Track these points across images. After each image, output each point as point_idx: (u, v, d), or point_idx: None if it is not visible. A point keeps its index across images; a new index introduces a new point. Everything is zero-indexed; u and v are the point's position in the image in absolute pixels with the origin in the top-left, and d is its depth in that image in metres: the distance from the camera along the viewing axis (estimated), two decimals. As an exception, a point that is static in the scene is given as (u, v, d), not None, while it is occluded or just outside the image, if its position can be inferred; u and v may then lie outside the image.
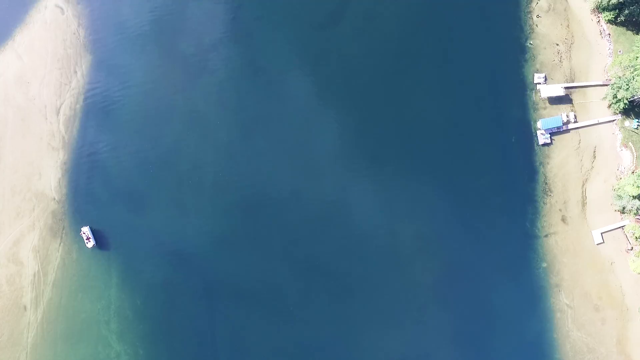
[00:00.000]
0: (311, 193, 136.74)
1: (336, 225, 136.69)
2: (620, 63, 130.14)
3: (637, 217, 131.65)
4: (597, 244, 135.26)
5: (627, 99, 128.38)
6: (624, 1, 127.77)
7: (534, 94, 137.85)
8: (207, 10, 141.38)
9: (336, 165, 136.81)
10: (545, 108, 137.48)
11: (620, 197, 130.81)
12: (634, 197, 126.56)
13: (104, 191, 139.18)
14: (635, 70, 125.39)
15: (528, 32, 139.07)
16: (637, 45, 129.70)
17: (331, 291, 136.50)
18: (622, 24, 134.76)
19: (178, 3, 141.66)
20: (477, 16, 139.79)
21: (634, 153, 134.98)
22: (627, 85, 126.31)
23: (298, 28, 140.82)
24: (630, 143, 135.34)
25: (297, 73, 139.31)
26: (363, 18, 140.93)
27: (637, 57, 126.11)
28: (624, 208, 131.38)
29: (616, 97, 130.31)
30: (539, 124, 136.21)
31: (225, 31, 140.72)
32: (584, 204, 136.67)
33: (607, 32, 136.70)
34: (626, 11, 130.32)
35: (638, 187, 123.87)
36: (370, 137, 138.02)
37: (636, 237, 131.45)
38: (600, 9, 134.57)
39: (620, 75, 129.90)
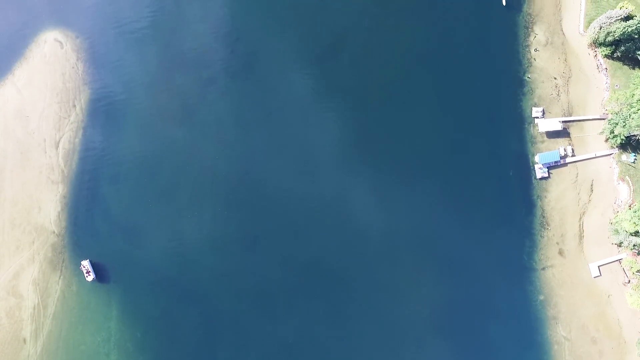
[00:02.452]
0: (312, 228, 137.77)
1: (344, 253, 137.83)
2: (617, 99, 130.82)
3: (634, 251, 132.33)
4: (594, 277, 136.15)
5: (624, 135, 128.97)
6: (620, 39, 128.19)
7: (532, 127, 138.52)
8: (205, 44, 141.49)
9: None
10: (543, 142, 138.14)
11: (617, 231, 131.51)
12: (631, 234, 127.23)
13: (104, 224, 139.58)
14: (631, 107, 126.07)
15: (526, 65, 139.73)
16: (634, 82, 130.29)
17: (331, 310, 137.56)
18: (618, 59, 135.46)
19: (176, 37, 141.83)
20: (476, 50, 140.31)
21: (631, 187, 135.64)
22: (623, 122, 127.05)
23: (296, 61, 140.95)
24: (627, 177, 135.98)
25: (296, 106, 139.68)
26: (361, 51, 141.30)
27: (633, 94, 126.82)
28: (621, 243, 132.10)
29: (613, 132, 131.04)
30: (536, 158, 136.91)
31: (223, 65, 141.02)
32: (581, 237, 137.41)
33: (604, 67, 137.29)
34: (622, 48, 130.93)
35: (635, 224, 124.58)
36: (367, 174, 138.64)
37: (633, 271, 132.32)
38: (597, 44, 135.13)
39: (617, 111, 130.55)
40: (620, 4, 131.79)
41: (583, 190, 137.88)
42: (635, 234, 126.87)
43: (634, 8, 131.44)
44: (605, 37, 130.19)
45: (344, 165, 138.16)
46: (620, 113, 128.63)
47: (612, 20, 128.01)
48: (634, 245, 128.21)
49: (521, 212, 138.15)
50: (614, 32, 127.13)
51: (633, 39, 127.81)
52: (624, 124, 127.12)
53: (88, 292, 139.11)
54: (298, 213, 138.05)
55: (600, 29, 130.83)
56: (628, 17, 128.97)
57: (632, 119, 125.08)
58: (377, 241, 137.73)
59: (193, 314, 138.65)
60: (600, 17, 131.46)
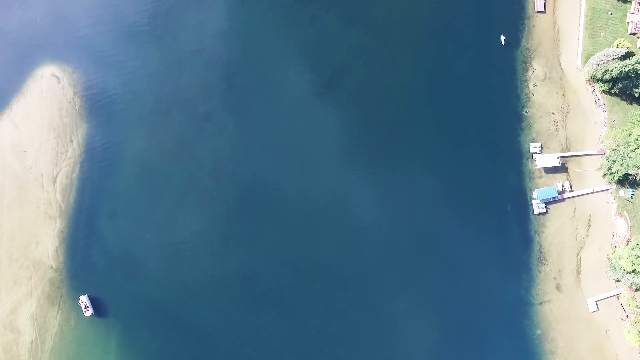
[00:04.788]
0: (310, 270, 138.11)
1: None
2: (615, 136, 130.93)
3: (632, 287, 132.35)
4: (592, 312, 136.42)
5: (621, 172, 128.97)
6: (617, 77, 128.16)
7: (529, 162, 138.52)
8: (201, 78, 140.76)
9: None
10: (540, 177, 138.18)
11: (615, 268, 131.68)
12: (628, 272, 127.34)
13: (102, 259, 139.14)
14: (629, 146, 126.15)
15: (524, 100, 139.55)
16: (631, 120, 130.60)
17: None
18: (616, 94, 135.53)
19: (173, 71, 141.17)
20: (474, 84, 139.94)
21: (629, 222, 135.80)
22: (621, 160, 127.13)
23: (294, 95, 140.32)
24: (625, 212, 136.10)
25: (294, 142, 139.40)
26: (360, 86, 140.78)
27: (631, 132, 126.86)
28: (618, 279, 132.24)
29: (611, 169, 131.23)
30: (534, 194, 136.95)
31: (220, 99, 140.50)
32: (578, 272, 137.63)
33: (602, 102, 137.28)
34: (619, 85, 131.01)
35: (632, 263, 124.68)
36: (363, 210, 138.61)
37: (632, 307, 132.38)
38: (594, 79, 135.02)
39: (615, 147, 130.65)
40: (617, 41, 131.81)
41: (581, 225, 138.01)
42: (633, 272, 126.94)
43: (630, 45, 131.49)
44: (603, 75, 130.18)
45: (341, 207, 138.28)
46: (618, 151, 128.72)
47: (610, 59, 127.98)
48: (632, 283, 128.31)
49: (518, 247, 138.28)
50: (611, 70, 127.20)
51: (630, 77, 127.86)
52: (621, 162, 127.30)
53: (86, 327, 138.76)
54: (297, 248, 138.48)
55: (598, 66, 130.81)
56: (625, 56, 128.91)
57: (630, 157, 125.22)
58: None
59: (192, 347, 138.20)
60: (597, 55, 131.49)
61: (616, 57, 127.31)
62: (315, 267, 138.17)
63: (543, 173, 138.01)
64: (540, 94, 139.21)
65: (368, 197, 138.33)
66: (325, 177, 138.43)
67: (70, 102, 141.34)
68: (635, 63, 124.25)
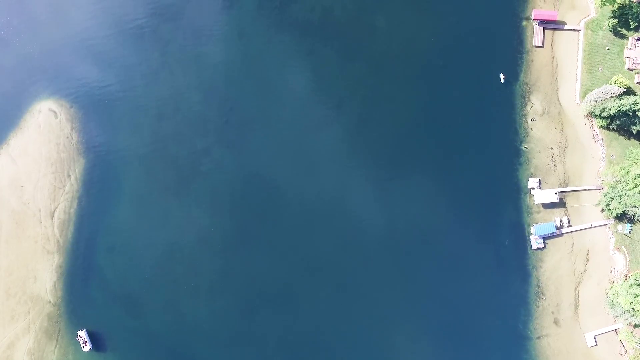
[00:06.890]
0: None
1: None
2: (613, 173, 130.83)
3: (630, 324, 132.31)
4: (590, 347, 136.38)
5: (619, 210, 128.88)
6: (615, 115, 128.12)
7: (528, 197, 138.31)
8: (198, 113, 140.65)
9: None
10: (539, 212, 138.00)
11: (613, 304, 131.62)
12: (627, 310, 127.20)
13: (100, 294, 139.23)
14: (627, 184, 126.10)
15: (523, 135, 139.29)
16: (628, 157, 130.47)
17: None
18: (614, 130, 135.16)
19: (170, 107, 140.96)
20: (472, 119, 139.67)
21: (627, 257, 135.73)
22: (619, 198, 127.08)
23: (292, 130, 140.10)
24: (623, 247, 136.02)
25: (292, 178, 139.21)
26: (358, 121, 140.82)
27: (629, 171, 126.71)
28: (617, 316, 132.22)
29: (609, 206, 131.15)
30: (532, 230, 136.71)
31: (217, 135, 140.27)
32: (576, 306, 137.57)
33: (600, 137, 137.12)
34: (617, 122, 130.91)
35: (630, 302, 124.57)
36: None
37: (631, 344, 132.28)
38: (592, 115, 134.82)
39: (612, 184, 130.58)
40: (615, 78, 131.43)
41: (579, 260, 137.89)
42: (631, 310, 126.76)
43: (628, 82, 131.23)
44: (601, 112, 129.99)
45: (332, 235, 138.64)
46: (616, 189, 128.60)
47: (607, 96, 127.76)
48: (630, 322, 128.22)
49: (516, 281, 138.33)
50: (609, 108, 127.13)
51: (628, 115, 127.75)
52: (619, 200, 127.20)
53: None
54: (296, 285, 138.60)
55: (596, 102, 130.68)
56: (623, 92, 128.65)
57: (628, 196, 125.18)
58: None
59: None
60: (595, 91, 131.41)
61: (614, 95, 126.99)
62: (315, 301, 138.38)
63: (541, 208, 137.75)
64: (538, 128, 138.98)
65: (367, 224, 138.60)
66: (326, 214, 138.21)
67: (67, 137, 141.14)
68: (633, 103, 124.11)
